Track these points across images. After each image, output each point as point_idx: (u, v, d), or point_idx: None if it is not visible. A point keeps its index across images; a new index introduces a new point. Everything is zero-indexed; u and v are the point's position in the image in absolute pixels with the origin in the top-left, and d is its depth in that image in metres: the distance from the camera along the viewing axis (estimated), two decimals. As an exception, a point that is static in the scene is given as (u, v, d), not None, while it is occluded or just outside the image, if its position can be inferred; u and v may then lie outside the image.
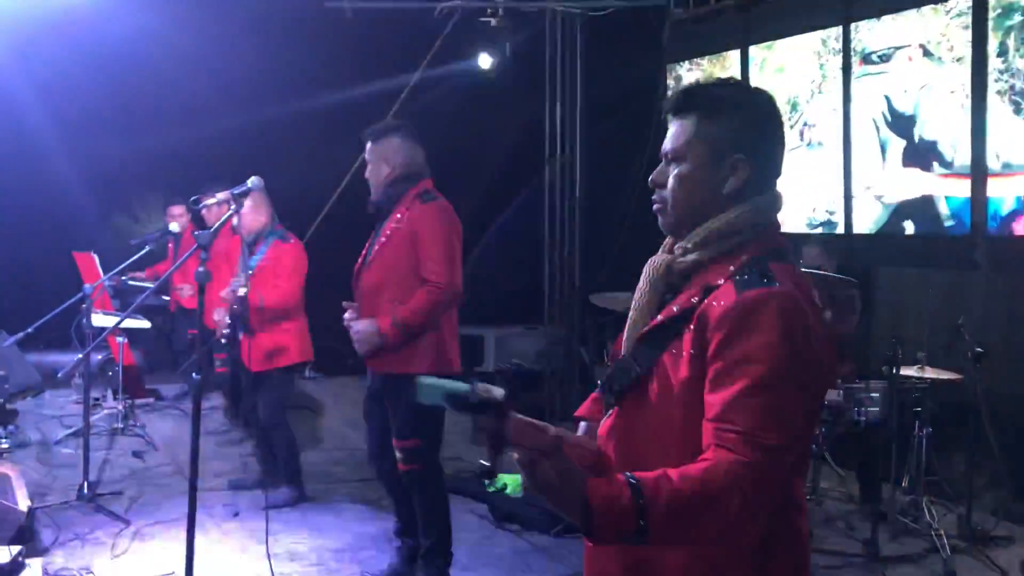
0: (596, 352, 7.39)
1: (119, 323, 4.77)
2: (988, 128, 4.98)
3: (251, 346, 4.87)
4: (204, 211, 5.48)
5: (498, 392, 1.50)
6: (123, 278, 6.66)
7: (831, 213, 6.07)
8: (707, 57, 7.09)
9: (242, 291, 4.76)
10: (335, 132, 7.33)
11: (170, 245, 7.29)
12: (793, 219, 6.21)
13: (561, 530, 4.49)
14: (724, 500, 1.41)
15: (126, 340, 6.36)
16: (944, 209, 5.32)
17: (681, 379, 1.53)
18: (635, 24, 7.44)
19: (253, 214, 4.92)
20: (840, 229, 6.01)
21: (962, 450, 4.69)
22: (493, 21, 7.24)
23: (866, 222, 5.85)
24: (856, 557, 4.26)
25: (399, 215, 3.73)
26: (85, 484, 4.85)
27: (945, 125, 5.25)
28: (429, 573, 3.84)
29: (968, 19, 5.09)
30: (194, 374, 3.15)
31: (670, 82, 7.34)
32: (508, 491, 4.90)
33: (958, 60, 5.14)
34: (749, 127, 1.60)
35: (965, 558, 4.25)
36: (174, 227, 7.12)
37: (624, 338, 1.70)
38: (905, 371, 4.42)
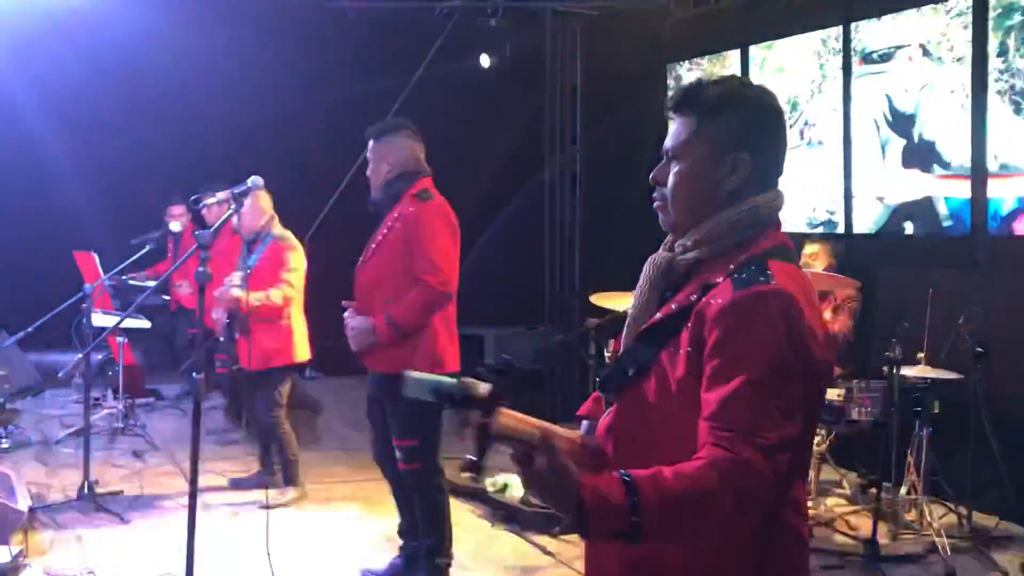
0: (596, 352, 7.39)
1: (119, 323, 4.77)
2: (988, 128, 4.98)
3: (247, 346, 4.88)
4: (204, 210, 5.49)
5: (484, 387, 1.50)
6: (123, 278, 6.66)
7: (831, 213, 6.07)
8: (707, 57, 7.08)
9: (235, 291, 4.77)
10: (335, 132, 7.32)
11: (170, 245, 7.29)
12: (794, 219, 6.20)
13: (561, 530, 4.49)
14: (718, 499, 1.40)
15: (126, 340, 6.37)
16: (944, 209, 5.32)
17: (678, 377, 1.53)
18: (635, 24, 7.44)
19: (252, 213, 4.92)
20: (840, 229, 6.01)
21: (962, 450, 4.69)
22: (493, 21, 7.24)
23: (866, 222, 5.85)
24: (856, 557, 4.25)
25: (396, 214, 3.75)
26: (85, 484, 4.85)
27: (945, 125, 5.25)
28: (429, 573, 3.84)
29: (968, 19, 5.09)
30: (194, 374, 3.15)
31: (670, 82, 7.34)
32: (508, 491, 4.90)
33: (958, 60, 5.14)
34: (750, 125, 1.60)
35: (965, 558, 4.25)
36: (174, 227, 7.12)
37: (624, 335, 1.70)
38: (906, 371, 4.42)
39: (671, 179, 1.64)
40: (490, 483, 5.01)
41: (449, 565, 3.88)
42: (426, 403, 1.58)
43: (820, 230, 6.09)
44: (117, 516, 4.67)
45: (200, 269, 3.21)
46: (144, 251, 6.01)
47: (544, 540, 4.48)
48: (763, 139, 1.62)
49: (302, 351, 5.13)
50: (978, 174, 5.07)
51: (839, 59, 5.94)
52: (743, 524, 1.43)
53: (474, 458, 1.49)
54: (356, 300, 3.80)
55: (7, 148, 7.53)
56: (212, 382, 6.30)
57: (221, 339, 5.09)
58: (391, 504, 4.16)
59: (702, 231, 1.60)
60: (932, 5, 5.29)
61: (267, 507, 4.70)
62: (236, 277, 4.87)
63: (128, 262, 5.67)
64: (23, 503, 4.21)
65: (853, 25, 5.83)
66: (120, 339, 6.26)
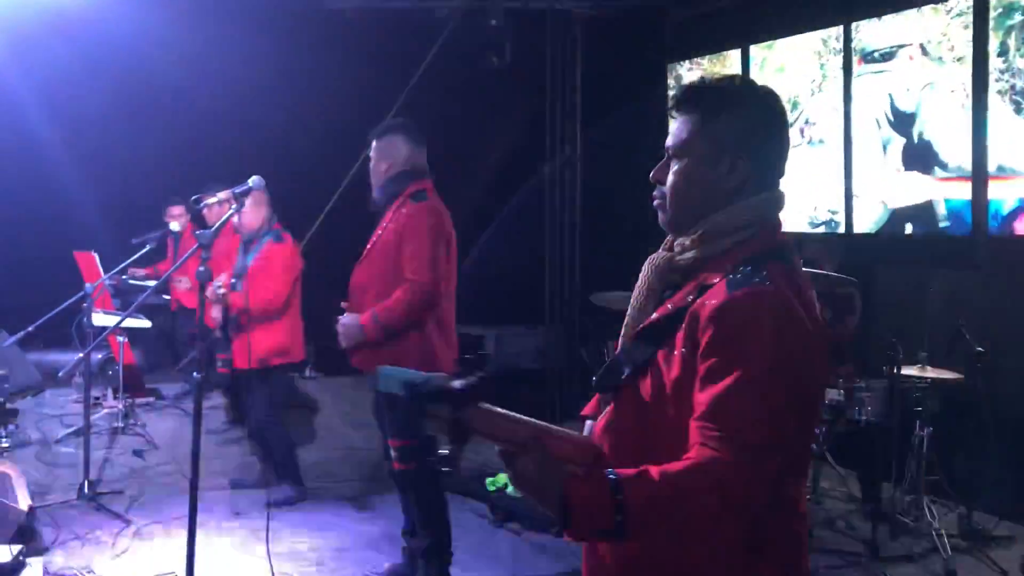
0: (596, 352, 7.39)
1: (120, 322, 4.77)
2: (989, 129, 4.98)
3: (241, 345, 4.90)
4: (205, 210, 5.49)
5: (456, 383, 1.50)
6: (124, 277, 6.67)
7: (833, 213, 6.07)
8: (707, 56, 7.09)
9: (221, 291, 4.79)
10: (335, 132, 7.33)
11: (170, 244, 7.30)
12: (795, 218, 6.21)
13: (561, 529, 4.48)
14: (703, 499, 1.40)
15: (126, 339, 6.37)
16: (944, 209, 5.32)
17: (673, 377, 1.53)
18: (636, 24, 7.44)
19: (252, 213, 4.93)
20: (841, 229, 6.01)
21: (963, 450, 4.69)
22: (493, 21, 7.23)
23: (867, 222, 5.86)
24: (857, 557, 4.26)
25: (391, 214, 3.77)
26: (85, 483, 4.86)
27: (946, 125, 5.26)
28: (429, 572, 3.84)
29: (968, 19, 5.09)
30: (195, 373, 3.16)
31: (670, 81, 7.34)
32: (508, 490, 4.90)
33: (959, 60, 5.14)
34: (751, 126, 1.60)
35: (966, 558, 4.25)
36: (174, 226, 7.13)
37: (621, 335, 1.70)
38: (906, 370, 4.42)
39: (670, 178, 1.64)
40: (490, 483, 5.01)
41: (448, 564, 3.88)
42: (392, 395, 1.57)
43: (821, 230, 6.09)
44: (117, 516, 4.67)
45: (201, 268, 3.21)
46: (144, 251, 6.01)
47: (544, 539, 4.48)
48: (764, 140, 1.61)
49: (297, 351, 5.13)
50: (978, 174, 5.08)
51: (839, 59, 5.94)
52: (729, 524, 1.43)
53: (447, 452, 1.50)
54: (349, 299, 3.83)
55: (7, 148, 7.53)
56: (213, 382, 6.31)
57: (220, 338, 5.10)
58: (392, 504, 4.17)
59: (700, 231, 1.59)
60: (932, 5, 5.29)
61: (268, 506, 4.71)
62: (222, 279, 4.89)
63: (128, 262, 5.68)
64: (23, 502, 4.21)
65: (853, 25, 5.84)
66: (120, 338, 6.26)
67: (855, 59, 5.84)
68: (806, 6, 6.27)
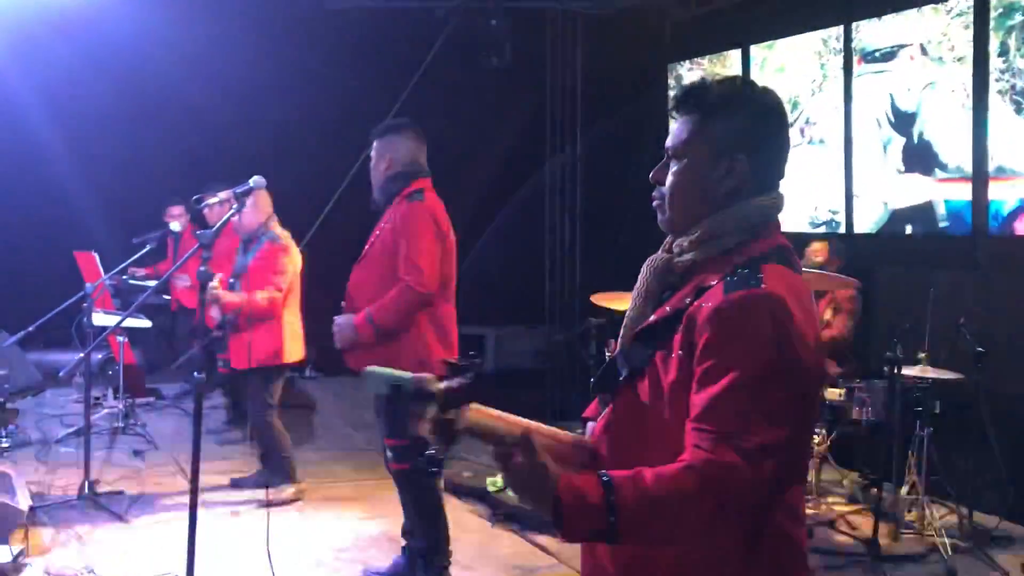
0: (597, 352, 7.39)
1: (120, 322, 4.77)
2: (989, 129, 4.98)
3: (238, 345, 4.90)
4: (206, 210, 5.49)
5: (442, 384, 1.49)
6: (124, 277, 6.67)
7: (834, 213, 6.07)
8: (708, 56, 7.09)
9: (215, 291, 4.79)
10: (335, 132, 7.33)
11: (170, 244, 7.29)
12: (796, 218, 6.21)
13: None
14: (696, 501, 1.40)
15: (127, 339, 6.37)
16: (945, 209, 5.32)
17: (670, 380, 1.52)
18: (636, 24, 7.44)
19: (251, 213, 4.93)
20: (842, 229, 6.01)
21: (963, 450, 4.69)
22: (493, 21, 7.23)
23: (867, 222, 5.86)
24: (857, 557, 4.25)
25: (389, 214, 3.77)
26: (86, 483, 4.85)
27: (946, 125, 5.26)
28: (428, 573, 3.84)
29: (969, 19, 5.09)
30: (196, 373, 3.15)
31: (671, 82, 7.34)
32: (508, 491, 4.90)
33: (959, 60, 5.14)
34: (751, 127, 1.59)
35: (966, 558, 4.24)
36: (175, 226, 7.13)
37: (620, 336, 1.70)
38: (906, 371, 4.42)
39: (669, 178, 1.63)
40: (490, 482, 5.01)
41: (447, 565, 3.88)
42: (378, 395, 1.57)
43: (822, 229, 6.09)
44: (117, 515, 4.66)
45: (202, 268, 3.21)
46: (145, 251, 6.00)
47: (544, 540, 4.48)
48: (763, 141, 1.61)
49: (294, 351, 5.13)
50: (979, 174, 5.08)
51: (840, 59, 5.94)
52: (723, 527, 1.43)
53: (432, 452, 1.49)
54: (347, 299, 3.84)
55: (7, 148, 7.52)
56: (213, 382, 6.31)
57: (219, 337, 5.10)
58: (392, 503, 4.16)
59: (698, 232, 1.59)
60: (932, 5, 5.29)
61: (267, 505, 4.71)
62: (218, 278, 4.90)
63: (129, 262, 5.67)
64: (23, 502, 4.21)
65: (854, 25, 5.84)
66: (120, 338, 6.26)
67: (855, 59, 5.84)
68: (806, 6, 6.28)
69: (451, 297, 3.86)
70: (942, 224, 5.35)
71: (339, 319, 3.80)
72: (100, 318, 5.56)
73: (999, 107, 4.94)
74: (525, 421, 1.59)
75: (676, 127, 1.65)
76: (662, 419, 1.53)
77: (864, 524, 4.58)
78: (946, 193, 5.29)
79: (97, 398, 6.57)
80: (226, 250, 5.41)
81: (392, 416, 3.71)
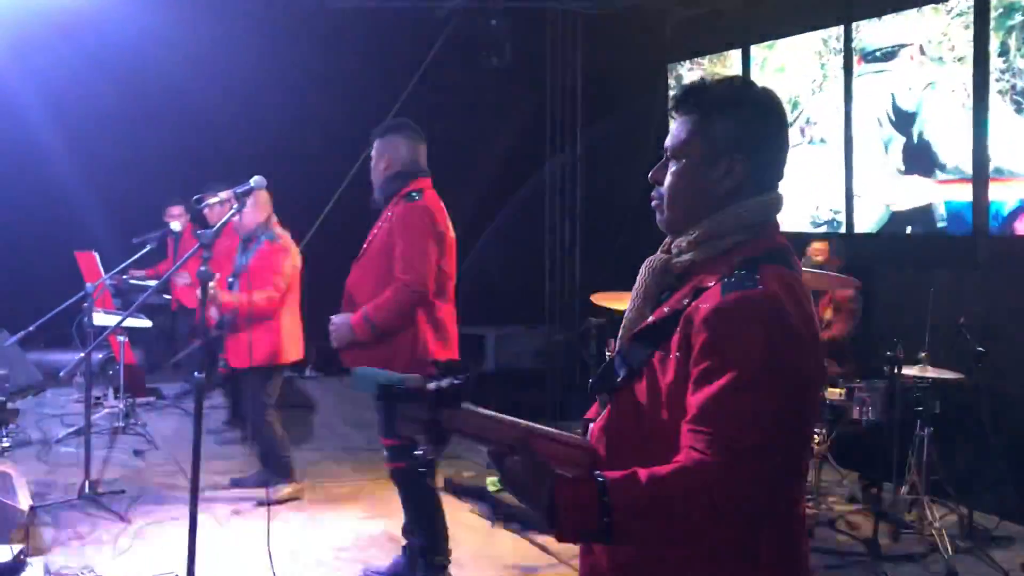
0: (597, 352, 7.39)
1: (120, 322, 4.77)
2: (990, 129, 4.99)
3: (236, 344, 4.90)
4: (207, 210, 5.49)
5: (431, 385, 1.50)
6: (124, 277, 6.67)
7: (835, 212, 6.07)
8: (708, 56, 7.09)
9: (212, 291, 4.80)
10: (335, 132, 7.33)
11: (170, 244, 7.29)
12: (797, 218, 6.21)
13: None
14: (690, 502, 1.40)
15: (127, 339, 6.37)
16: (945, 209, 5.32)
17: (668, 381, 1.52)
18: (636, 23, 7.44)
19: (251, 213, 4.93)
20: (842, 229, 6.01)
21: (963, 450, 4.69)
22: (494, 21, 7.24)
23: (867, 222, 5.86)
24: (857, 557, 4.26)
25: (386, 213, 3.78)
26: (86, 483, 4.86)
27: (947, 125, 5.26)
28: (427, 572, 3.84)
29: (969, 19, 5.09)
30: (196, 372, 3.16)
31: (671, 82, 7.34)
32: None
33: (959, 60, 5.15)
34: (749, 127, 1.59)
35: (966, 558, 4.24)
36: (175, 226, 7.13)
37: (619, 337, 1.69)
38: (906, 370, 4.42)
39: (668, 179, 1.63)
40: (490, 482, 5.01)
41: (446, 563, 3.88)
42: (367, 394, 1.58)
43: (823, 229, 6.09)
44: (118, 515, 4.67)
45: (202, 268, 3.21)
46: (145, 251, 6.01)
47: (545, 539, 4.48)
48: (762, 141, 1.60)
49: (292, 351, 5.13)
50: (979, 174, 5.08)
51: (840, 59, 5.94)
52: (717, 528, 1.42)
53: (421, 452, 1.49)
54: (345, 298, 3.85)
55: (8, 148, 7.53)
56: (214, 381, 6.31)
57: (218, 337, 5.10)
58: (392, 503, 4.16)
59: (697, 233, 1.59)
60: (933, 5, 5.30)
61: (264, 503, 4.72)
62: (215, 278, 4.91)
63: (129, 262, 5.68)
64: (24, 502, 4.21)
65: (854, 25, 5.84)
66: (121, 338, 6.26)
67: (855, 59, 5.85)
68: (806, 6, 6.28)
69: (450, 297, 3.86)
70: (942, 224, 5.36)
71: (335, 318, 3.81)
72: (100, 318, 5.56)
73: (999, 107, 4.94)
74: (521, 422, 1.58)
75: (675, 127, 1.64)
76: (660, 420, 1.53)
77: (864, 524, 4.58)
78: (946, 194, 5.30)
79: (98, 398, 6.58)
80: (226, 250, 5.41)
81: (386, 416, 3.71)
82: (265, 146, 7.45)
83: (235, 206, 3.59)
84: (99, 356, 6.50)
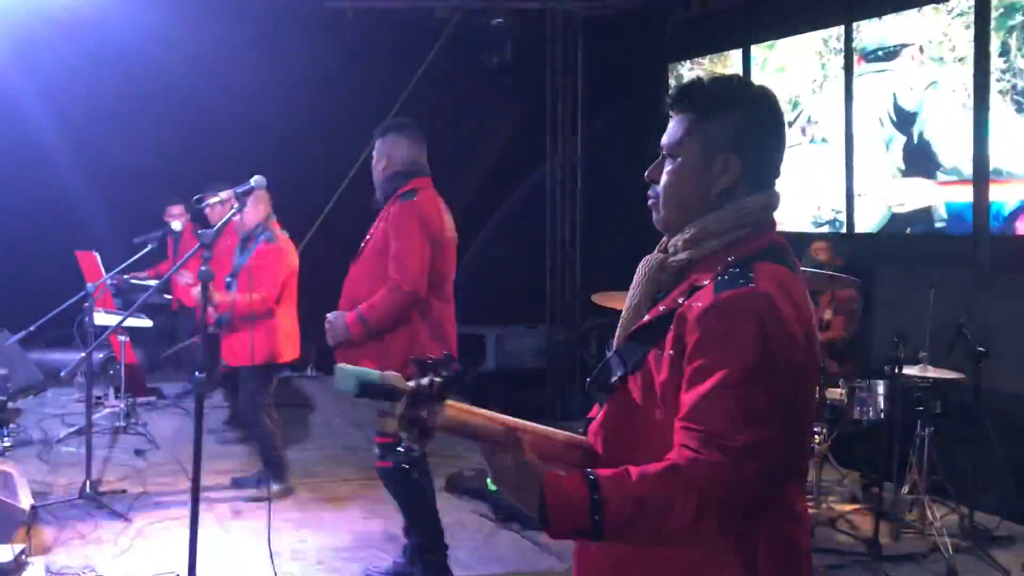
0: (598, 351, 7.40)
1: (121, 322, 4.78)
2: (991, 130, 4.99)
3: (232, 344, 4.91)
4: (207, 209, 5.49)
5: (412, 382, 1.50)
6: (125, 277, 6.67)
7: (837, 212, 6.07)
8: (708, 56, 7.09)
9: (194, 291, 4.83)
10: (335, 132, 7.33)
11: (170, 244, 7.30)
12: (798, 218, 6.21)
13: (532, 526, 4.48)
14: (680, 500, 1.40)
15: (128, 339, 6.37)
16: (945, 209, 5.32)
17: (662, 379, 1.52)
18: (637, 23, 7.44)
19: (251, 212, 4.94)
20: (843, 228, 6.02)
21: (964, 450, 4.69)
22: (494, 21, 7.24)
23: (869, 222, 5.86)
24: (858, 556, 4.26)
25: (384, 213, 3.80)
26: (87, 482, 4.86)
27: (947, 125, 5.26)
28: (426, 572, 3.84)
29: (970, 19, 5.09)
30: (197, 372, 3.16)
31: (671, 81, 7.34)
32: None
33: (960, 60, 5.15)
34: (745, 126, 1.59)
35: (967, 558, 4.25)
36: (176, 226, 7.13)
37: (616, 336, 1.70)
38: (907, 370, 4.42)
39: (664, 177, 1.63)
40: (491, 482, 5.00)
41: (444, 560, 3.88)
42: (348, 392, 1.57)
43: (825, 229, 6.09)
44: (119, 515, 4.67)
45: (203, 268, 3.22)
46: (146, 251, 6.01)
47: (545, 539, 4.48)
48: (758, 140, 1.60)
49: (288, 351, 5.13)
50: (980, 174, 5.08)
51: (840, 59, 5.94)
52: (708, 527, 1.42)
53: (403, 450, 1.49)
54: (343, 297, 3.86)
55: (9, 147, 7.53)
56: (215, 381, 6.31)
57: (216, 335, 5.11)
58: (393, 503, 4.16)
59: (692, 231, 1.59)
60: (933, 5, 5.30)
61: (260, 500, 4.72)
62: (187, 276, 4.95)
63: (130, 261, 5.68)
64: (25, 502, 4.21)
65: (854, 25, 5.84)
66: (122, 338, 6.27)
67: (856, 59, 5.85)
68: (807, 6, 6.28)
69: (448, 296, 3.87)
70: (943, 224, 5.36)
71: (331, 316, 3.83)
72: (101, 317, 5.56)
73: (1000, 107, 4.94)
74: (511, 419, 1.58)
75: (671, 126, 1.65)
76: (655, 418, 1.53)
77: (865, 523, 4.58)
78: (947, 195, 5.30)
79: (98, 397, 6.58)
80: (227, 249, 5.41)
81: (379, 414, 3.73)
82: (265, 146, 7.45)
83: (235, 206, 3.59)
84: (100, 356, 6.51)
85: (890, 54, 5.60)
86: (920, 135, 5.45)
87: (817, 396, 4.57)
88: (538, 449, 1.55)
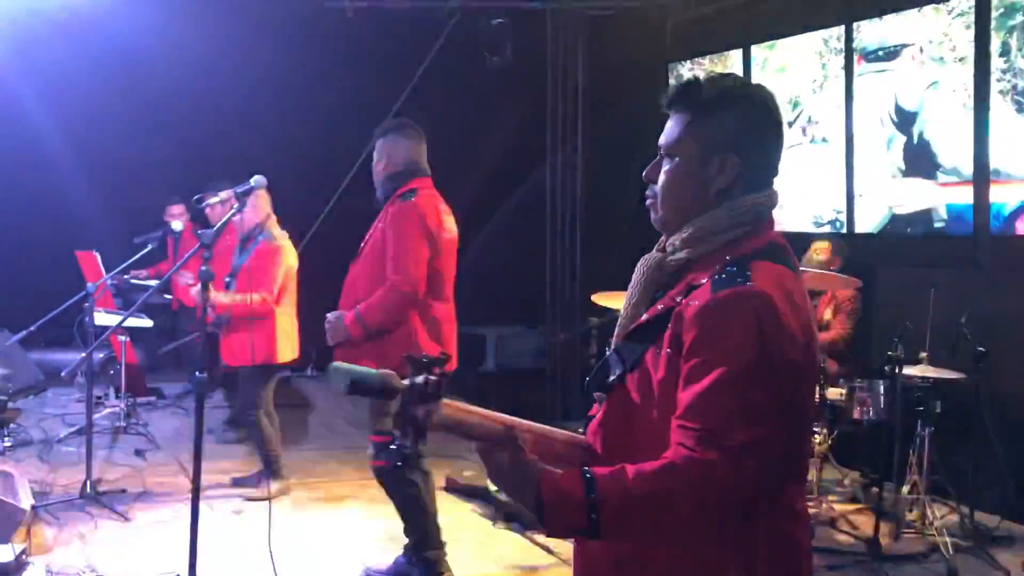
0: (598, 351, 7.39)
1: (122, 322, 4.78)
2: (991, 130, 4.98)
3: (230, 344, 4.91)
4: (207, 209, 5.50)
5: (405, 381, 1.50)
6: (125, 277, 6.67)
7: (838, 212, 6.07)
8: (709, 56, 7.09)
9: (193, 291, 4.83)
10: (336, 131, 7.33)
11: (170, 244, 7.30)
12: (798, 218, 6.21)
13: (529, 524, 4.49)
14: (676, 499, 1.40)
15: (128, 339, 6.37)
16: (946, 209, 5.32)
17: (660, 378, 1.52)
18: (637, 23, 7.44)
19: (251, 212, 4.94)
20: (843, 228, 6.01)
21: (964, 449, 4.69)
22: (495, 21, 7.23)
23: (869, 222, 5.86)
24: (858, 556, 4.26)
25: (383, 213, 3.81)
26: (88, 482, 4.86)
27: (947, 125, 5.26)
28: (423, 568, 3.85)
29: (970, 19, 5.09)
30: (198, 372, 3.16)
31: (671, 81, 7.34)
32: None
33: (960, 60, 5.14)
34: (742, 125, 1.59)
35: (967, 557, 4.24)
36: (176, 225, 7.13)
37: (615, 335, 1.70)
38: (907, 370, 4.42)
39: (662, 177, 1.64)
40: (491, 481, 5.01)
41: (440, 556, 3.88)
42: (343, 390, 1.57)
43: (826, 229, 6.09)
44: (119, 515, 4.67)
45: (203, 268, 3.22)
46: (146, 251, 6.01)
47: (546, 539, 4.48)
48: (756, 139, 1.60)
49: (286, 351, 5.14)
50: (980, 174, 5.07)
51: (841, 59, 5.94)
52: (704, 525, 1.42)
53: (395, 447, 1.49)
54: (342, 296, 3.88)
55: (9, 147, 7.53)
56: (215, 381, 6.32)
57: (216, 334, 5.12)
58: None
59: (690, 231, 1.59)
60: (933, 5, 5.29)
61: (257, 499, 4.70)
62: (187, 276, 4.95)
63: (130, 261, 5.68)
64: (25, 501, 4.21)
65: (855, 25, 5.84)
66: (122, 338, 6.27)
67: (856, 58, 5.85)
68: (807, 6, 6.28)
69: (447, 296, 3.87)
70: (943, 224, 5.36)
71: (331, 316, 3.84)
72: (102, 317, 5.56)
73: (1000, 107, 4.94)
74: (509, 418, 1.58)
75: (669, 126, 1.65)
76: (653, 417, 1.53)
77: (865, 523, 4.58)
78: (948, 195, 5.29)
79: (99, 397, 6.58)
80: (227, 249, 5.42)
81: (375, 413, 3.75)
82: (265, 146, 7.45)
83: (236, 206, 3.60)
84: (100, 356, 6.51)
85: (890, 54, 5.60)
86: (920, 135, 5.44)
87: (817, 396, 4.58)
88: (537, 448, 1.55)
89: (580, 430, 1.73)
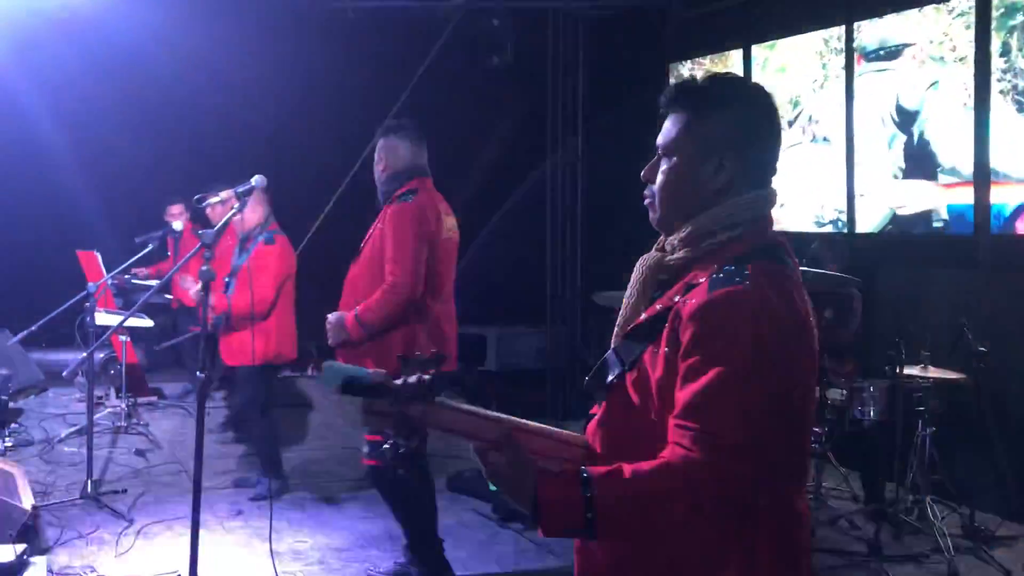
0: (597, 351, 7.38)
1: (122, 322, 4.78)
2: (991, 130, 4.98)
3: (229, 343, 4.93)
4: (208, 209, 5.49)
5: (397, 380, 1.50)
6: (126, 276, 6.68)
7: (840, 212, 6.06)
8: (709, 56, 7.09)
9: (193, 290, 4.84)
10: (336, 131, 7.34)
11: (170, 243, 7.30)
12: (799, 218, 6.21)
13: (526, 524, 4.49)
14: (672, 498, 1.40)
15: (129, 339, 6.38)
16: (946, 209, 5.32)
17: (657, 377, 1.52)
18: (637, 23, 7.44)
19: (250, 212, 4.94)
20: (844, 228, 6.01)
21: (965, 450, 4.69)
22: (495, 21, 7.23)
23: (870, 222, 5.86)
24: (859, 557, 4.26)
25: (383, 214, 3.81)
26: (89, 482, 4.86)
27: (948, 125, 5.25)
28: (421, 567, 3.85)
29: (970, 19, 5.09)
30: (199, 372, 3.16)
31: (672, 81, 7.34)
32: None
33: (961, 60, 5.14)
34: (740, 125, 1.59)
35: (968, 558, 4.25)
36: (176, 225, 7.14)
37: (614, 335, 1.70)
38: (908, 370, 4.42)
39: (659, 177, 1.64)
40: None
41: (438, 553, 3.87)
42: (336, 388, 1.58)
43: (828, 229, 6.09)
44: (120, 515, 4.67)
45: (204, 268, 3.22)
46: (147, 251, 6.02)
47: (547, 539, 4.48)
48: (753, 138, 1.60)
49: (286, 351, 5.14)
50: (981, 174, 5.07)
51: (841, 58, 5.94)
52: (700, 525, 1.42)
53: (388, 447, 1.49)
54: (342, 297, 3.89)
55: (11, 147, 7.54)
56: (216, 381, 6.32)
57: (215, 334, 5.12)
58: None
59: (688, 230, 1.59)
60: (934, 5, 5.29)
61: (254, 499, 4.70)
62: (188, 280, 4.95)
63: (131, 261, 5.69)
64: (26, 501, 4.22)
65: (855, 24, 5.84)
66: (123, 338, 6.27)
67: (856, 58, 5.85)
68: (807, 6, 6.27)
69: (447, 297, 3.87)
70: (943, 224, 5.35)
71: (331, 316, 3.85)
72: (102, 317, 5.57)
73: (1001, 107, 4.94)
74: (506, 417, 1.59)
75: (666, 125, 1.65)
76: (652, 416, 1.53)
77: (866, 524, 4.58)
78: (949, 196, 5.29)
79: (100, 397, 6.58)
80: (226, 249, 5.42)
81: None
82: (265, 146, 7.46)
83: (236, 205, 3.60)
84: (101, 356, 6.51)
85: (891, 54, 5.60)
86: (921, 135, 5.44)
87: (817, 396, 4.58)
88: (535, 447, 1.55)
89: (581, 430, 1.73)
